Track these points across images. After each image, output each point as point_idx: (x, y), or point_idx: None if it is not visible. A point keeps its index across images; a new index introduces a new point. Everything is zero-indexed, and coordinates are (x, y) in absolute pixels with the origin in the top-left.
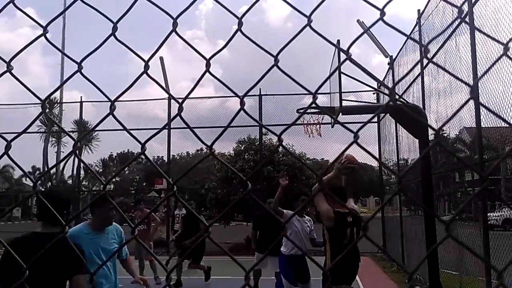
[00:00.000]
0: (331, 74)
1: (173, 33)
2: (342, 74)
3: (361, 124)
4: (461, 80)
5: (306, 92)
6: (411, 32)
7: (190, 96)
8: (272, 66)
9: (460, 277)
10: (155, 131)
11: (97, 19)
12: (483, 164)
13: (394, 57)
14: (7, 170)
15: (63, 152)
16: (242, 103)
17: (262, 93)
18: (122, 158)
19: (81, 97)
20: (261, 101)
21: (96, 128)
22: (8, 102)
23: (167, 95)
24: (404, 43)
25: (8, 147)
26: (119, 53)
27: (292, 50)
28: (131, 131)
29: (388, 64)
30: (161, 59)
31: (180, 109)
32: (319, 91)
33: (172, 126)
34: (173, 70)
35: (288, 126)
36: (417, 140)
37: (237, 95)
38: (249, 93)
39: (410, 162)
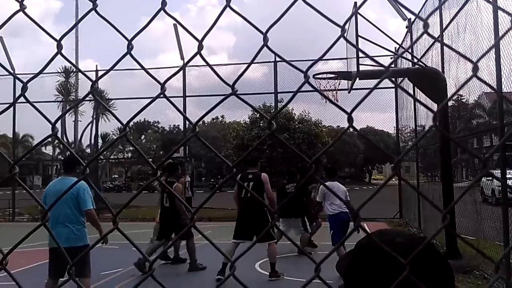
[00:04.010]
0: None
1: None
2: (359, 38)
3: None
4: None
5: (322, 58)
6: None
7: (202, 64)
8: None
9: (478, 242)
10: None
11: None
12: (503, 128)
13: (412, 20)
14: (27, 140)
15: (80, 121)
16: (265, 39)
17: (277, 60)
18: (139, 127)
19: (96, 65)
20: (276, 68)
21: (113, 97)
22: (23, 72)
23: (180, 64)
24: (423, 5)
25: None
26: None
27: (307, 22)
28: (145, 99)
29: (406, 27)
30: (175, 26)
31: (200, 47)
32: (334, 57)
33: (187, 95)
34: (187, 38)
35: (320, 58)
36: (435, 106)
37: (258, 30)
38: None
39: (427, 128)
